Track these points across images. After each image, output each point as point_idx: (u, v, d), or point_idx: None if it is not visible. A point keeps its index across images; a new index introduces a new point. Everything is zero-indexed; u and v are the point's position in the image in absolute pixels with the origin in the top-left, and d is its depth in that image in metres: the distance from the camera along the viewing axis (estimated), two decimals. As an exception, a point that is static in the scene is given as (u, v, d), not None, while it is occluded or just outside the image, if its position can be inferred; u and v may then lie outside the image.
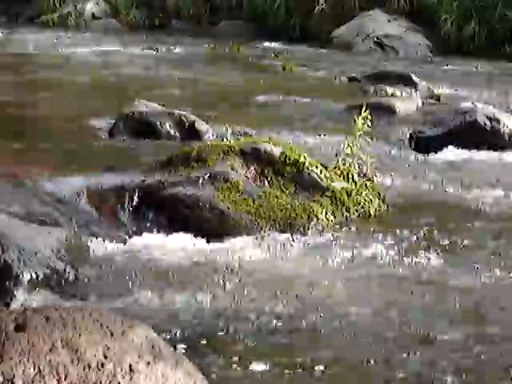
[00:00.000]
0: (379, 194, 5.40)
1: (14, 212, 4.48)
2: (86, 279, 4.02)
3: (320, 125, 7.56)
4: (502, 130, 6.99)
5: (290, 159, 5.26)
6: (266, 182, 5.18)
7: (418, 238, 4.84)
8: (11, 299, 3.74)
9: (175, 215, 4.88)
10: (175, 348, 2.67)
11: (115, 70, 11.19)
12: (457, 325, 3.68)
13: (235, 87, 9.99)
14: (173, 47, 14.35)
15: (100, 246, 4.46)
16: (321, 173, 5.27)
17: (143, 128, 6.76)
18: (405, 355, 3.36)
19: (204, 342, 3.42)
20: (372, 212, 5.24)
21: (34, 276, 3.86)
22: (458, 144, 6.92)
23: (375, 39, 15.33)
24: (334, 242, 4.69)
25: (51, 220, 4.59)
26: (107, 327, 2.52)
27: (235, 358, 3.28)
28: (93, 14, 18.88)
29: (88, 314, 2.56)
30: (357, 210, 5.20)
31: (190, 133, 6.73)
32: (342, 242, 4.70)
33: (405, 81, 10.02)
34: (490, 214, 5.39)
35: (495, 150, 6.88)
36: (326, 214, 5.04)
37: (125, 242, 4.56)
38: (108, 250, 4.43)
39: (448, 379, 3.16)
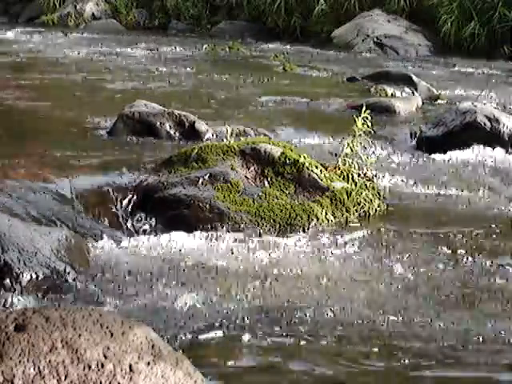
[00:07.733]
0: (379, 194, 5.40)
1: (14, 212, 4.48)
2: (86, 279, 4.02)
3: (320, 125, 7.55)
4: (502, 130, 6.98)
5: (289, 159, 5.26)
6: (266, 182, 5.18)
7: (417, 238, 4.84)
8: (11, 299, 3.74)
9: (175, 215, 4.88)
10: (175, 348, 2.67)
11: (115, 70, 11.18)
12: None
13: (235, 87, 9.98)
14: (173, 47, 14.35)
15: (100, 246, 4.47)
16: (321, 173, 5.28)
17: (143, 128, 6.75)
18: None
19: (204, 341, 3.42)
20: (372, 212, 5.24)
21: (34, 276, 3.86)
22: (458, 144, 6.92)
23: (375, 39, 15.32)
24: (333, 242, 4.69)
25: (51, 220, 4.59)
26: (107, 327, 2.52)
27: (236, 358, 3.28)
28: (93, 14, 18.88)
29: (88, 313, 2.56)
30: (357, 210, 5.20)
31: (190, 133, 6.73)
32: (341, 242, 4.70)
33: (405, 81, 10.02)
34: (491, 214, 5.39)
35: (495, 150, 6.88)
36: (326, 214, 5.04)
37: (125, 242, 4.56)
38: (108, 250, 4.44)
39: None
